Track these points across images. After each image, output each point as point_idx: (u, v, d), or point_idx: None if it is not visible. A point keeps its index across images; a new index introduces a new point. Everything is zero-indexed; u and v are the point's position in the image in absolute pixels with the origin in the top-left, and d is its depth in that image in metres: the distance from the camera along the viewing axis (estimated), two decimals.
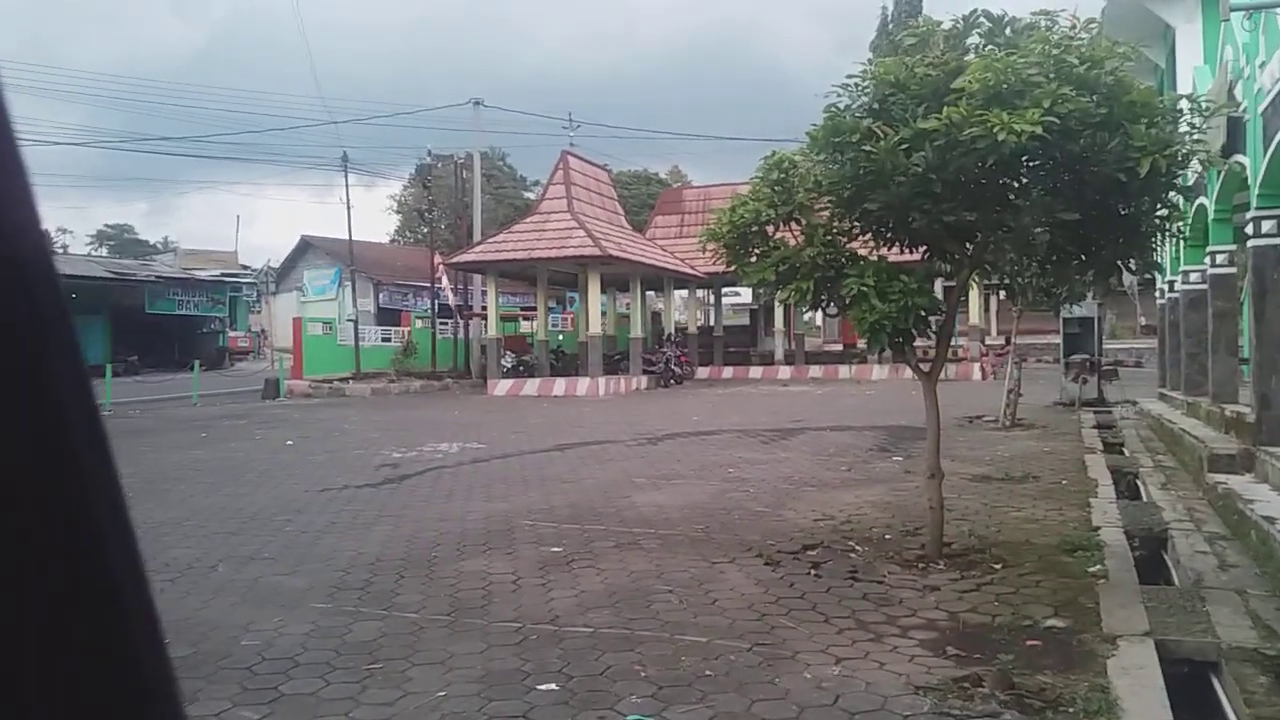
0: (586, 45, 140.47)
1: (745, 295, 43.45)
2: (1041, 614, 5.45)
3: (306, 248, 56.08)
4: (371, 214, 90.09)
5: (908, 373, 26.79)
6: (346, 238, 35.25)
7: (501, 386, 28.42)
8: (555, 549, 7.40)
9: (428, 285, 36.71)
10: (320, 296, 51.70)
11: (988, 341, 34.77)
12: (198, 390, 26.82)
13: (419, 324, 36.23)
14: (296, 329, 31.90)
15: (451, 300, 34.23)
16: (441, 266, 33.54)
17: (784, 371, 35.41)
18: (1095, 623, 5.21)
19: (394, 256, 53.20)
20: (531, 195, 51.06)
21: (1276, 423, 8.94)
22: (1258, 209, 9.13)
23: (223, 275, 54.37)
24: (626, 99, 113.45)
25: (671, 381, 30.68)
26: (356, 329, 32.03)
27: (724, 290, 40.27)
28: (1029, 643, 4.99)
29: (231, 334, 53.01)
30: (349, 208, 34.80)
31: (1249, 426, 9.38)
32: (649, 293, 37.71)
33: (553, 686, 4.48)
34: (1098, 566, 6.40)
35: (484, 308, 32.02)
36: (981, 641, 5.01)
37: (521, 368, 30.42)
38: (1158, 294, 19.05)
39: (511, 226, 31.46)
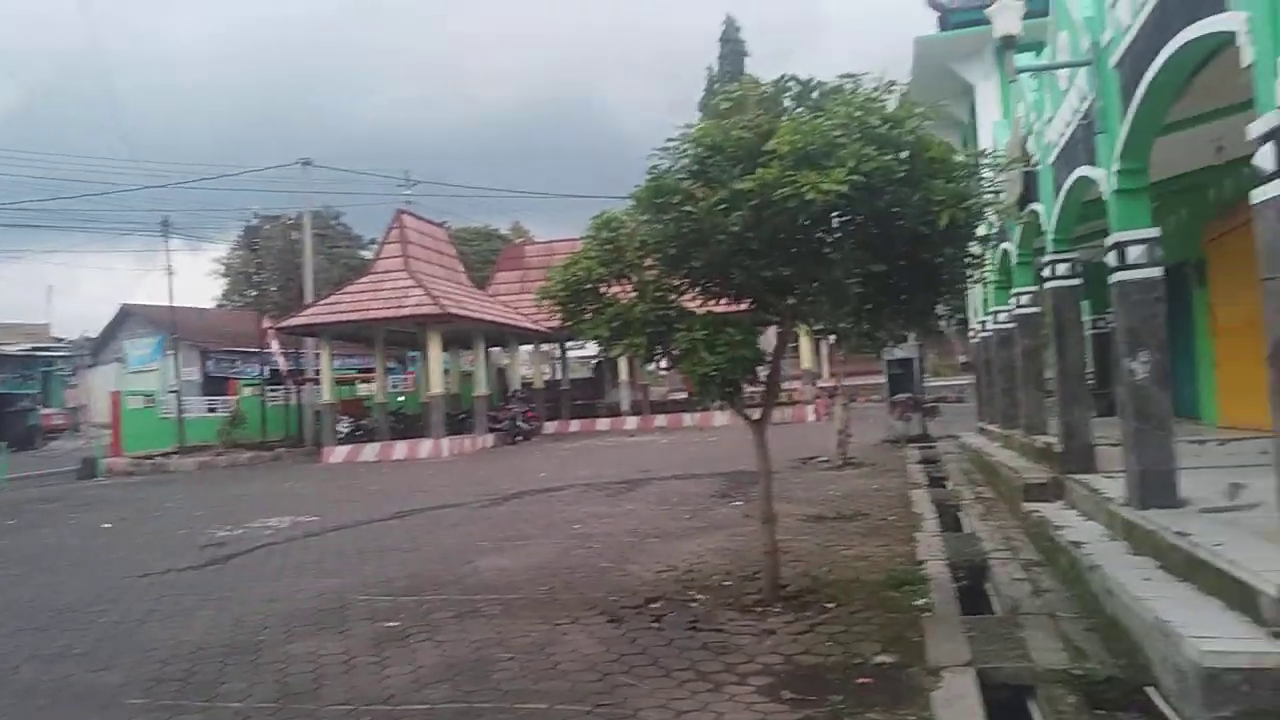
0: (424, 104, 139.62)
1: (591, 348, 43.75)
2: (871, 650, 5.62)
3: (127, 317, 52.83)
4: (197, 279, 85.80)
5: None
6: (169, 305, 33.47)
7: (338, 453, 27.46)
8: (392, 624, 7.14)
9: (257, 351, 35.24)
10: (143, 367, 48.72)
11: (820, 384, 36.09)
12: (6, 473, 24.76)
13: (248, 392, 34.67)
14: (115, 403, 29.95)
15: (283, 365, 32.96)
16: (271, 331, 32.32)
17: (630, 422, 35.74)
18: (921, 656, 5.41)
19: (221, 322, 50.69)
20: (369, 254, 49.92)
21: (1081, 452, 9.61)
22: (1053, 253, 9.88)
23: (34, 349, 50.70)
24: (467, 156, 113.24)
25: (519, 438, 30.42)
26: (180, 400, 30.34)
27: (569, 344, 40.40)
28: (860, 680, 5.13)
29: (45, 411, 49.41)
30: (170, 274, 33.17)
31: (1057, 456, 10.04)
32: (493, 349, 37.41)
33: None
34: (923, 600, 6.67)
35: (317, 372, 30.96)
36: (815, 683, 5.12)
37: (359, 432, 29.50)
38: (971, 333, 20.28)
39: (346, 287, 30.64)
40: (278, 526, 13.49)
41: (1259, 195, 4.07)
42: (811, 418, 31.20)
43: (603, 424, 36.05)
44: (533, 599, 7.62)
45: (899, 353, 21.00)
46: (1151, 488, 6.75)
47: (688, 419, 34.10)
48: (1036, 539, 8.43)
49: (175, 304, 33.45)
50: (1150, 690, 4.71)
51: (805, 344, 33.39)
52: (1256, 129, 4.08)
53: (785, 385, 38.19)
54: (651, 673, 5.50)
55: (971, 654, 5.33)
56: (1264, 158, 3.99)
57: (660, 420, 35.19)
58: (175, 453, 28.45)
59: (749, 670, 5.43)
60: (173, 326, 34.14)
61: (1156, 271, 6.84)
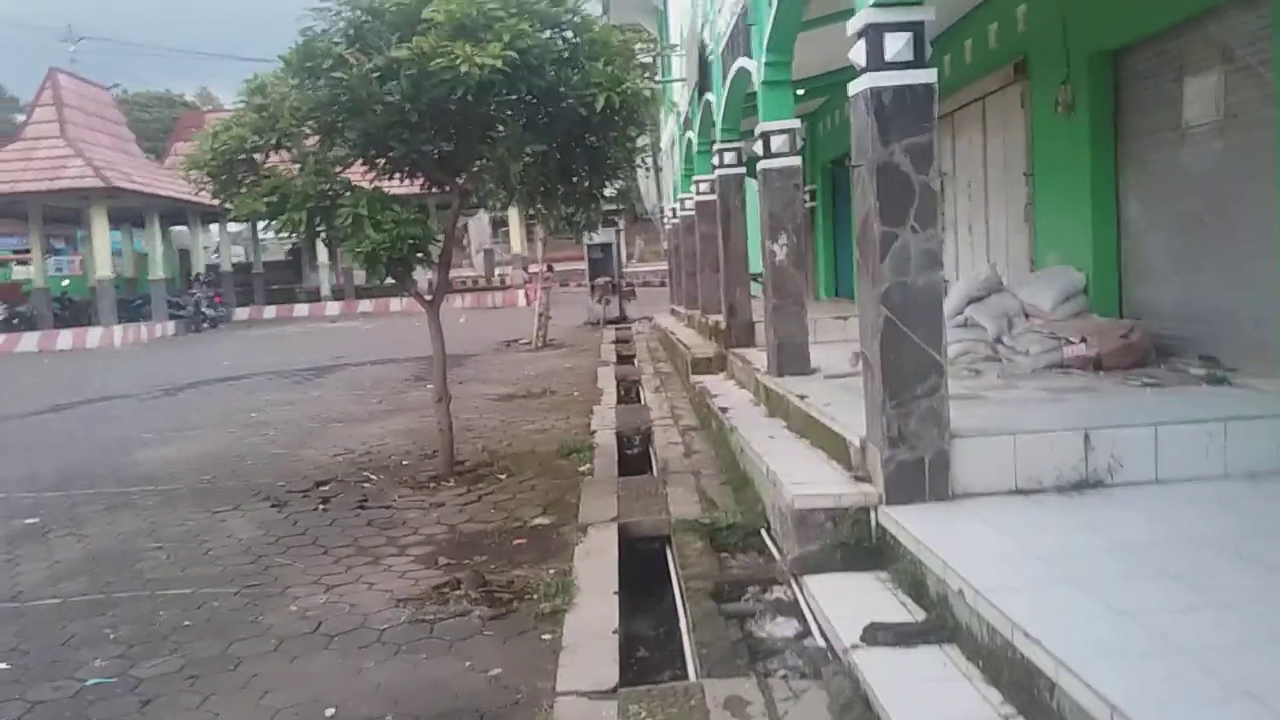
0: None
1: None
2: (531, 514, 5.95)
3: None
4: None
5: (458, 302, 27.07)
6: None
7: None
8: (31, 520, 6.62)
9: None
10: None
11: (531, 269, 36.41)
12: None
13: None
14: None
15: None
16: None
17: (332, 308, 34.44)
18: (575, 515, 5.80)
19: None
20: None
21: (742, 328, 10.39)
22: (721, 142, 10.42)
23: None
24: (150, 12, 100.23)
25: (204, 325, 28.45)
26: None
27: (263, 224, 37.89)
28: (516, 542, 5.43)
29: None
30: None
31: (723, 332, 10.82)
32: (176, 228, 34.32)
33: (2, 665, 4.05)
34: (587, 466, 7.11)
35: None
36: (473, 548, 5.35)
37: (16, 320, 26.34)
38: (664, 220, 21.15)
39: None
40: None
41: (852, 89, 4.53)
42: (522, 302, 31.50)
43: (301, 309, 34.47)
44: (193, 488, 7.31)
45: (599, 238, 21.57)
46: (787, 357, 7.49)
47: (395, 304, 33.28)
48: (698, 407, 9.15)
49: None
50: (762, 533, 5.35)
51: (515, 230, 33.45)
52: (852, 25, 4.49)
53: (498, 270, 38.21)
54: (309, 552, 5.51)
55: (618, 511, 5.78)
56: (857, 53, 4.41)
57: (366, 305, 34.13)
58: None
59: (411, 542, 5.58)
60: None
61: (795, 160, 7.43)
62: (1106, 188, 7.46)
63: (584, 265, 27.97)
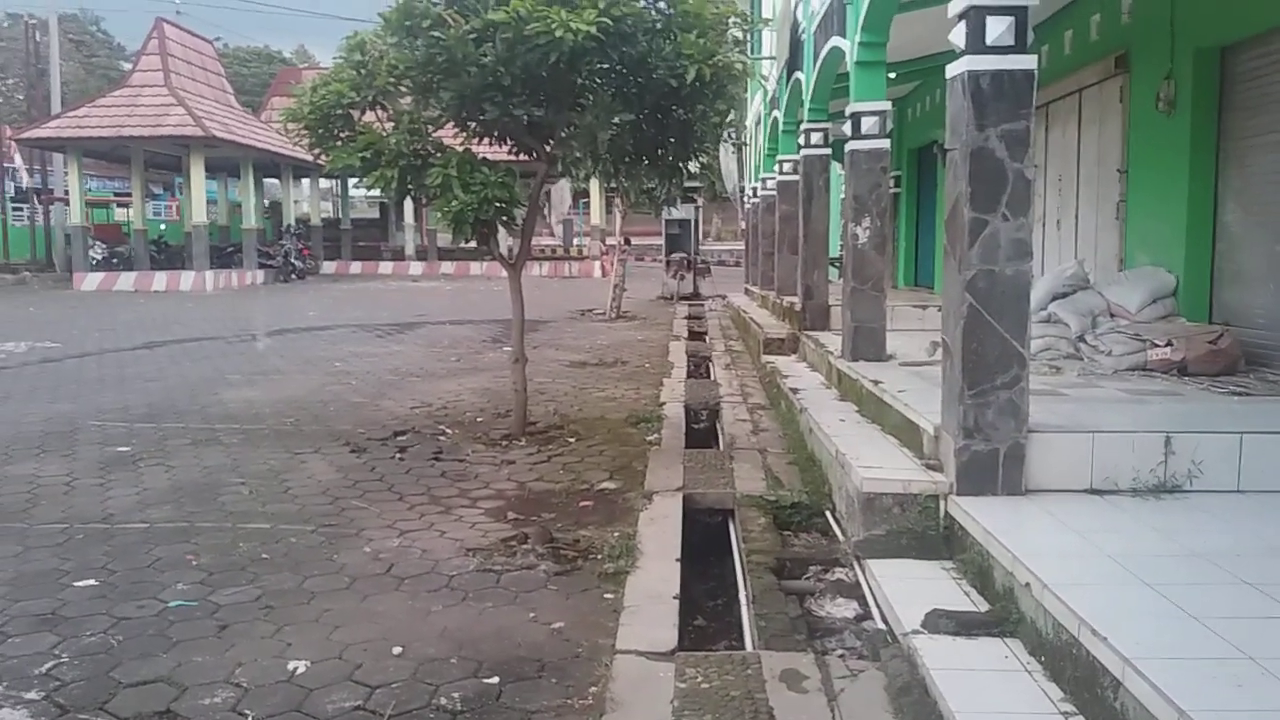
0: None
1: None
2: (598, 478, 6.03)
3: None
4: None
5: (536, 270, 27.43)
6: None
7: (91, 280, 25.50)
8: (122, 449, 6.93)
9: None
10: None
11: (609, 241, 36.54)
12: None
13: None
14: None
15: (26, 181, 29.81)
16: (12, 142, 29.03)
17: (415, 267, 35.08)
18: (641, 483, 5.87)
19: None
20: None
21: (817, 310, 10.34)
22: (808, 122, 10.33)
23: None
24: None
25: (293, 276, 29.24)
26: None
27: (353, 181, 38.65)
28: (582, 503, 5.53)
29: None
30: None
31: (798, 314, 10.77)
32: (269, 181, 35.28)
33: (92, 582, 4.28)
34: (655, 435, 7.17)
35: (67, 191, 28.27)
36: (541, 506, 5.46)
37: (116, 260, 27.41)
38: (745, 199, 21.01)
39: (96, 100, 27.78)
40: (12, 351, 12.70)
41: (950, 71, 4.46)
42: (598, 273, 31.67)
43: (386, 267, 35.23)
44: (276, 429, 7.57)
45: (677, 213, 21.56)
46: (862, 342, 7.44)
47: (475, 267, 33.79)
48: (768, 387, 9.14)
49: None
50: (826, 514, 5.35)
51: (595, 201, 33.55)
52: (954, 7, 4.42)
53: (576, 241, 38.46)
54: (385, 497, 5.68)
55: (683, 481, 5.83)
56: (957, 35, 4.34)
57: (447, 267, 34.71)
58: None
59: (482, 495, 5.71)
60: None
61: (884, 143, 7.34)
62: (1204, 189, 7.21)
63: (661, 240, 28.02)
